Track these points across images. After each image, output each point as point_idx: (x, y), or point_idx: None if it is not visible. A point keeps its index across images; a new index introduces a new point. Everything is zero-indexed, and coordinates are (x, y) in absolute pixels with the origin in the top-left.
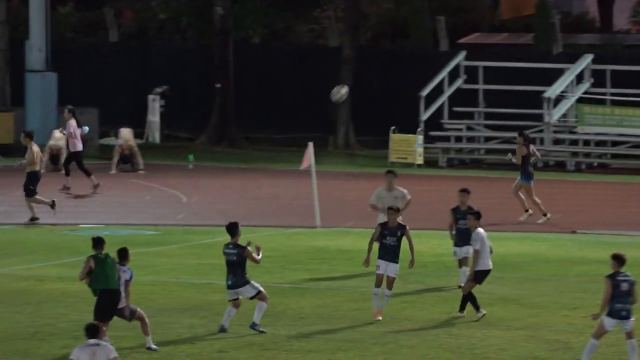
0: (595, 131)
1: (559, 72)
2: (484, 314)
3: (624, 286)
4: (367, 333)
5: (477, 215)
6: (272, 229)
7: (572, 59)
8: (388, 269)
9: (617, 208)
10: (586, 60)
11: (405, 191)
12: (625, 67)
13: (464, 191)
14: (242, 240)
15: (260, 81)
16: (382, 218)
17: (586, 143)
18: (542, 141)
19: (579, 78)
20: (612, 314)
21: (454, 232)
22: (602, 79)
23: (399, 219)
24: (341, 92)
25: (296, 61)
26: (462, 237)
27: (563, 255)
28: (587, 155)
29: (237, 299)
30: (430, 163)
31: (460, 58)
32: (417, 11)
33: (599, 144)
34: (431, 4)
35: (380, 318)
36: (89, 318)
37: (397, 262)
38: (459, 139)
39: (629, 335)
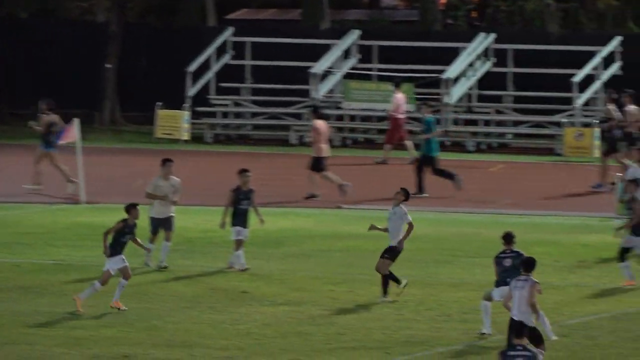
0: (361, 107)
1: (327, 48)
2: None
3: (507, 262)
4: (131, 311)
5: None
6: (36, 206)
7: (340, 34)
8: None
9: (381, 183)
10: (353, 36)
11: (179, 180)
12: (392, 43)
13: (245, 172)
14: None
15: (28, 56)
16: (157, 209)
17: (352, 118)
18: (307, 117)
19: (347, 54)
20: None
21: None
22: (370, 55)
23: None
24: None
25: (64, 36)
26: (242, 219)
27: (327, 230)
28: (352, 130)
29: None
30: (196, 139)
31: (228, 34)
32: None
33: (365, 119)
34: None
35: (125, 307)
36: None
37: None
38: (225, 115)
39: None
